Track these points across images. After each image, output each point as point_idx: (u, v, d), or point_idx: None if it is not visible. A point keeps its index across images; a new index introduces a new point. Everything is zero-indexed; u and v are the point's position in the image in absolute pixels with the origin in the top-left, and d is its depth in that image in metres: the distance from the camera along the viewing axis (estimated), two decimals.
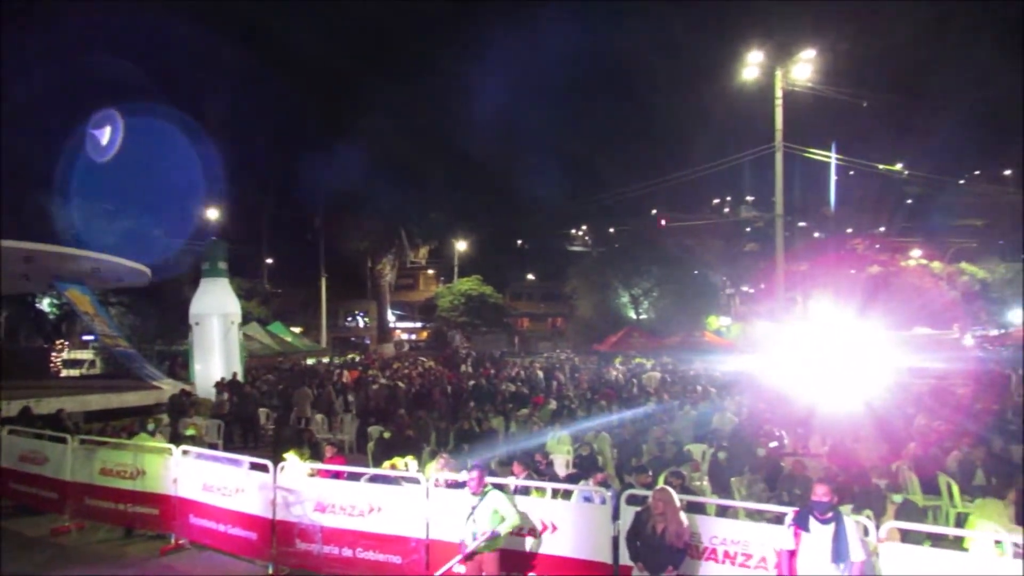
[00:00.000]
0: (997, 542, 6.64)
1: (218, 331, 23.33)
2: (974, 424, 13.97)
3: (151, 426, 12.14)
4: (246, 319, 30.47)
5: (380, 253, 57.20)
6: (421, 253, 62.96)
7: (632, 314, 49.01)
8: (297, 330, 47.33)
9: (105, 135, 31.97)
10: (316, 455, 11.26)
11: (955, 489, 10.28)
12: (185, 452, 10.15)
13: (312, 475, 9.23)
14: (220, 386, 20.61)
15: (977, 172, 79.98)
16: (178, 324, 30.69)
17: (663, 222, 75.28)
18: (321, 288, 51.11)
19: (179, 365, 27.73)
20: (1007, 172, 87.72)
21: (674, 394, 20.71)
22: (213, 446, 14.51)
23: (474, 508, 7.17)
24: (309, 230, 53.18)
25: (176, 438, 12.82)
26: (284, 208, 56.97)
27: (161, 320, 37.61)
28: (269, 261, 57.21)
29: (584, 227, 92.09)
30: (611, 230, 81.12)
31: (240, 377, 22.51)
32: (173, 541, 9.91)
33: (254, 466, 9.39)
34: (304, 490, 8.77)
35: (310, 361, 36.60)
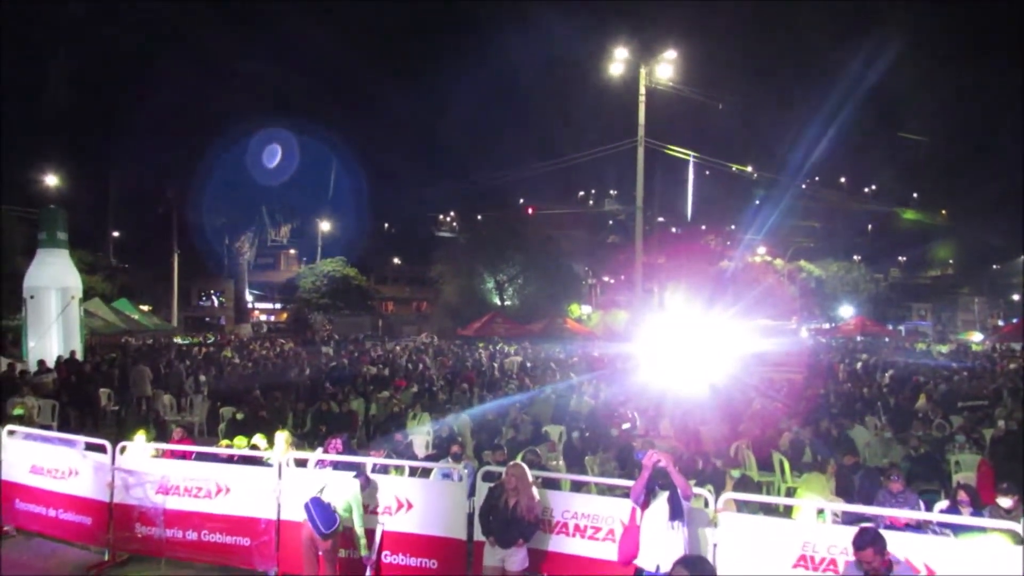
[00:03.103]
0: (820, 511, 7.28)
1: (56, 306, 21.70)
2: (804, 407, 15.16)
3: None
4: (88, 295, 28.43)
5: (239, 230, 54.70)
6: (283, 232, 60.90)
7: (497, 300, 49.48)
8: (146, 308, 44.57)
9: None
10: (162, 437, 10.71)
11: (787, 466, 11.11)
12: (11, 433, 9.43)
13: (157, 456, 8.79)
14: (57, 365, 19.13)
15: (816, 178, 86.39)
16: (8, 297, 28.22)
17: (530, 211, 76.42)
18: (173, 264, 48.30)
19: (10, 342, 25.58)
20: (842, 179, 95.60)
21: (534, 378, 21.12)
22: (46, 427, 13.49)
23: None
24: (161, 202, 49.90)
25: (1, 419, 11.82)
26: (134, 177, 53.47)
27: None
28: (116, 234, 53.58)
29: (452, 213, 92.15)
30: (479, 217, 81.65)
31: (80, 355, 21.03)
32: None
33: (90, 447, 8.83)
34: (146, 471, 8.33)
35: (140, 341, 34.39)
